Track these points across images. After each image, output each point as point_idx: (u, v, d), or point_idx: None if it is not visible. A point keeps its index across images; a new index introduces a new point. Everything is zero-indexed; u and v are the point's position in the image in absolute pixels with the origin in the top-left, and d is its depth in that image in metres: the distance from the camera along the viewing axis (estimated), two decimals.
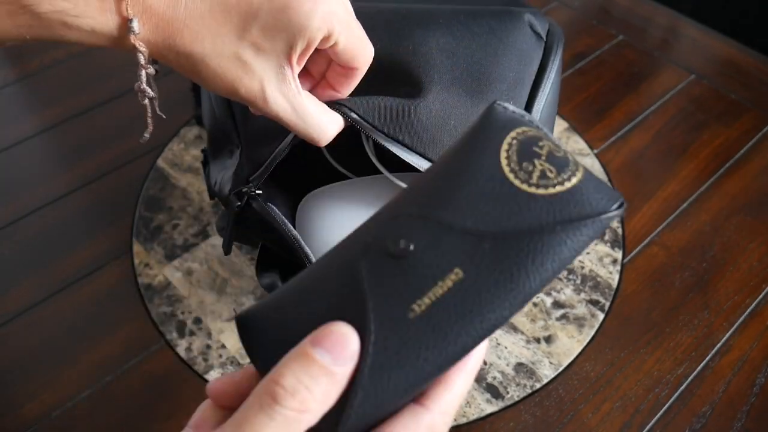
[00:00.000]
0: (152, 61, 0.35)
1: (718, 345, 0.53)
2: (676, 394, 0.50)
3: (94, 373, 0.51)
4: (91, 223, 0.62)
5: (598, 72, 0.75)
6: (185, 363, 0.52)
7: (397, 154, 0.40)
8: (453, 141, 0.41)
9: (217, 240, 0.59)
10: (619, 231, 0.60)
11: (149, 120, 0.37)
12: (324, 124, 0.37)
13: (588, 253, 0.58)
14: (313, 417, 0.23)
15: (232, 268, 0.57)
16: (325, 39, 0.34)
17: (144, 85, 0.35)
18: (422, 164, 0.40)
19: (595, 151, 0.67)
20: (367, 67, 0.38)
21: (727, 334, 0.53)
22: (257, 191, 0.43)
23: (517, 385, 0.50)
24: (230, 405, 0.27)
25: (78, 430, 0.49)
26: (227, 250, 0.48)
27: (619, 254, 0.58)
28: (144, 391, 0.50)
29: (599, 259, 0.58)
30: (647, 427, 0.48)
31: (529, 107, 0.45)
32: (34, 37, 0.32)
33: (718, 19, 0.90)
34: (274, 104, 0.35)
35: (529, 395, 0.50)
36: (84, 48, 0.79)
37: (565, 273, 0.57)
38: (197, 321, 0.54)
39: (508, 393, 0.50)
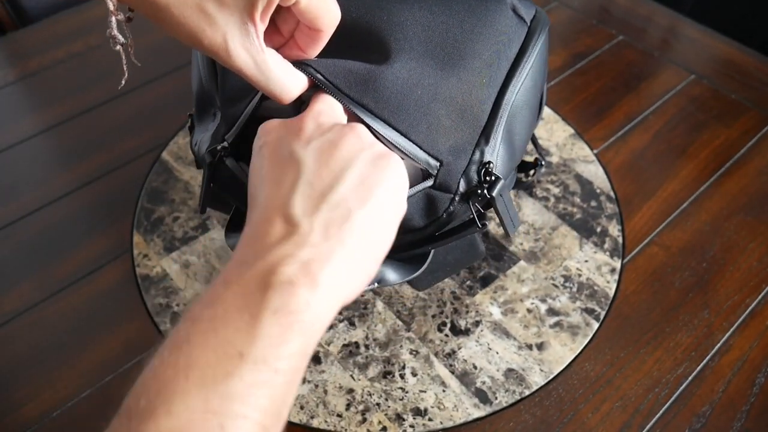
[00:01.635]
0: (128, 9, 0.35)
1: (718, 345, 0.53)
2: (676, 394, 0.50)
3: (94, 373, 0.51)
4: (91, 223, 0.62)
5: (598, 72, 0.75)
6: None
7: (362, 118, 0.40)
8: (418, 110, 0.41)
9: (216, 234, 0.60)
10: (620, 240, 0.59)
11: (124, 67, 0.38)
12: (287, 82, 0.38)
13: (587, 261, 0.58)
14: None
15: None
16: None
17: (115, 31, 0.36)
18: (387, 132, 0.40)
19: (595, 151, 0.67)
20: (332, 30, 0.38)
21: (727, 334, 0.53)
22: (230, 149, 0.44)
23: (506, 391, 0.50)
24: None
25: (78, 430, 0.49)
26: (202, 209, 0.49)
27: (617, 263, 0.58)
28: None
29: (597, 268, 0.57)
30: (647, 427, 0.48)
31: (504, 88, 0.45)
32: None
33: (718, 19, 0.90)
34: (237, 58, 0.36)
35: (518, 402, 0.50)
36: (84, 48, 0.79)
37: (561, 280, 0.57)
38: None
39: (496, 398, 0.50)
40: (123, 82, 0.39)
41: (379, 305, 0.55)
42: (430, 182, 0.42)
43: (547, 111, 0.70)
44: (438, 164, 0.42)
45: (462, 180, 0.43)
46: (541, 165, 0.59)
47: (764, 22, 1.02)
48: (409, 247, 0.46)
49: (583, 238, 0.59)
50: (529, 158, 0.65)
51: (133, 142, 0.69)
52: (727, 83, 0.74)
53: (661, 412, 0.49)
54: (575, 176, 0.64)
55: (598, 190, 0.63)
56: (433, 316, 0.54)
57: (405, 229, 0.44)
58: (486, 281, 0.56)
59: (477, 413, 0.49)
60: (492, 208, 0.43)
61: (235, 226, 0.51)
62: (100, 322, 0.54)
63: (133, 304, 0.55)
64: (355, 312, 0.54)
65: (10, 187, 0.65)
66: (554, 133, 0.68)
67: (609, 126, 0.69)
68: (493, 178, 0.42)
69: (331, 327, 0.54)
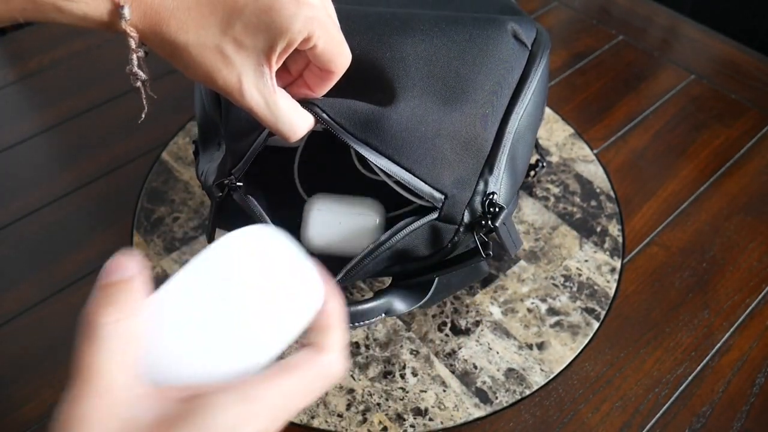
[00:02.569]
0: (142, 44, 0.36)
1: (718, 345, 0.53)
2: (676, 394, 0.50)
3: None
4: (91, 223, 0.62)
5: (598, 72, 0.75)
6: None
7: (366, 157, 0.41)
8: (422, 147, 0.41)
9: (216, 234, 0.60)
10: (620, 239, 0.59)
11: (144, 101, 0.38)
12: (295, 122, 0.38)
13: (587, 261, 0.58)
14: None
15: None
16: (305, 41, 0.35)
17: (135, 68, 0.36)
18: (391, 168, 0.41)
19: (595, 151, 0.67)
20: (343, 71, 0.39)
21: (727, 334, 0.53)
22: (238, 183, 0.45)
23: (507, 390, 0.50)
24: None
25: None
26: (209, 238, 0.49)
27: (618, 263, 0.58)
28: None
29: (597, 267, 0.57)
30: (647, 427, 0.48)
31: (507, 115, 0.45)
32: (27, 19, 0.33)
33: (718, 19, 0.90)
34: (250, 98, 0.36)
35: (518, 401, 0.50)
36: (84, 48, 0.79)
37: (562, 280, 0.57)
38: None
39: (497, 398, 0.50)
40: (143, 116, 0.40)
41: None
42: (435, 215, 0.42)
43: (547, 111, 0.71)
44: (443, 197, 0.42)
45: (466, 211, 0.43)
46: (542, 166, 0.59)
47: (764, 22, 1.02)
48: (414, 274, 0.46)
49: (583, 238, 0.59)
50: (531, 159, 0.66)
51: (133, 142, 0.69)
52: (727, 83, 0.74)
53: (661, 412, 0.49)
54: (575, 176, 0.64)
55: (597, 190, 0.63)
56: (434, 316, 0.54)
57: (410, 257, 0.44)
58: (486, 281, 0.56)
59: (478, 413, 0.49)
60: (494, 233, 0.44)
61: None
62: None
63: None
64: None
65: (11, 187, 0.65)
66: (554, 132, 0.68)
67: (609, 126, 0.69)
68: (497, 209, 0.43)
69: None
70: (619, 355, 0.52)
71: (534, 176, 0.60)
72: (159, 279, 0.56)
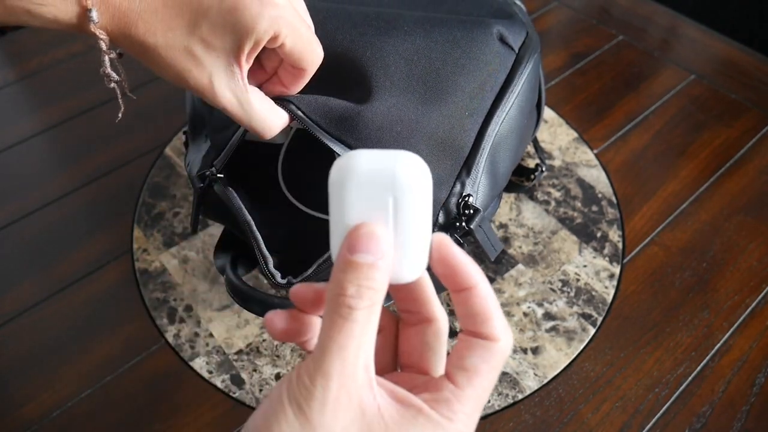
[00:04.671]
0: (114, 45, 0.37)
1: (718, 345, 0.53)
2: (676, 394, 0.50)
3: (94, 373, 0.51)
4: (91, 222, 0.62)
5: (598, 72, 0.75)
6: (179, 356, 0.52)
7: (340, 154, 0.41)
8: (398, 146, 0.41)
9: (215, 230, 0.60)
10: (620, 245, 0.59)
11: (120, 101, 0.39)
12: (268, 119, 0.39)
13: (585, 266, 0.58)
14: (380, 303, 0.26)
15: None
16: (272, 40, 0.35)
17: (108, 70, 0.37)
18: None
19: (595, 151, 0.67)
20: (314, 69, 0.39)
21: (727, 334, 0.53)
22: (219, 174, 0.45)
23: (500, 394, 0.50)
24: (309, 310, 0.29)
25: (78, 430, 0.49)
26: (193, 228, 0.50)
27: (617, 269, 0.57)
28: (144, 391, 0.50)
29: (596, 273, 0.57)
30: (647, 427, 0.48)
31: (488, 118, 0.45)
32: (1, 23, 0.34)
33: (718, 19, 0.90)
34: (222, 98, 0.37)
35: (510, 405, 0.50)
36: (84, 48, 0.79)
37: (559, 284, 0.56)
38: (188, 308, 0.55)
39: (489, 402, 0.50)
40: (120, 115, 0.40)
41: None
42: None
43: (551, 114, 0.70)
44: None
45: (441, 212, 0.43)
46: (542, 171, 0.59)
47: (764, 22, 1.02)
48: None
49: (583, 243, 0.59)
50: (532, 163, 0.65)
51: (133, 142, 0.69)
52: (727, 83, 0.74)
53: (661, 412, 0.49)
54: (577, 180, 0.64)
55: (599, 195, 0.63)
56: None
57: None
58: None
59: None
60: (471, 237, 0.43)
61: (223, 246, 0.52)
62: (100, 322, 0.54)
63: (133, 304, 0.55)
64: None
65: (10, 187, 0.65)
66: (557, 136, 0.68)
67: (609, 126, 0.69)
68: (471, 211, 0.43)
69: None
70: (619, 355, 0.52)
71: (534, 179, 0.59)
72: (158, 272, 0.57)
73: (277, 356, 0.52)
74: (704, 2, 1.03)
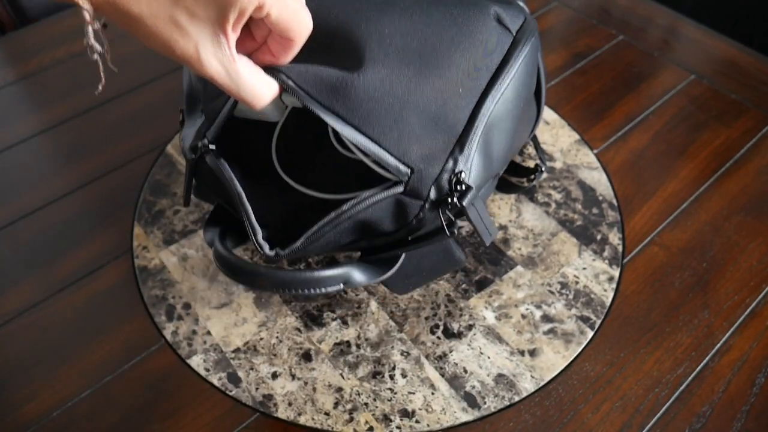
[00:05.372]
0: (98, 17, 0.36)
1: (718, 345, 0.53)
2: (676, 394, 0.50)
3: (94, 373, 0.51)
4: (91, 222, 0.62)
5: (598, 72, 0.75)
6: (177, 354, 0.52)
7: (332, 125, 0.40)
8: (389, 118, 0.41)
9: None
10: (620, 248, 0.59)
11: (102, 74, 0.39)
12: (257, 89, 0.39)
13: (585, 269, 0.58)
14: None
15: None
16: (258, 9, 0.35)
17: (92, 41, 0.36)
18: (357, 137, 0.41)
19: (595, 151, 0.67)
20: (303, 40, 0.39)
21: (727, 334, 0.53)
22: (211, 146, 0.45)
23: (496, 396, 0.50)
24: None
25: (78, 430, 0.49)
26: (185, 202, 0.50)
27: (616, 272, 0.57)
28: (144, 391, 0.50)
29: (595, 276, 0.57)
30: (647, 427, 0.48)
31: (483, 98, 0.44)
32: None
33: (718, 19, 0.90)
34: (209, 67, 0.36)
35: (507, 407, 0.50)
36: (84, 48, 0.79)
37: (558, 287, 0.56)
38: (186, 306, 0.55)
39: (485, 403, 0.50)
40: (100, 87, 0.40)
41: (373, 305, 0.55)
42: (400, 188, 0.42)
43: (552, 116, 0.70)
44: (408, 171, 0.42)
45: (433, 188, 0.43)
46: (541, 171, 0.59)
47: (764, 22, 1.02)
48: (379, 251, 0.46)
49: (583, 246, 0.59)
50: (532, 163, 0.65)
51: (133, 142, 0.69)
52: (727, 83, 0.74)
53: (661, 412, 0.49)
54: (578, 182, 0.64)
55: (600, 197, 0.63)
56: (427, 318, 0.54)
57: (375, 233, 0.44)
58: (482, 285, 0.56)
59: (465, 417, 0.49)
60: (465, 217, 0.43)
61: (213, 221, 0.52)
62: (100, 322, 0.54)
63: (133, 303, 0.55)
64: (348, 311, 0.55)
65: (10, 187, 0.65)
66: (559, 138, 0.68)
67: (609, 126, 0.69)
68: (464, 187, 0.42)
69: (323, 325, 0.54)
70: (619, 355, 0.52)
71: (533, 180, 0.59)
72: (157, 269, 0.57)
73: (274, 355, 0.52)
74: (704, 2, 1.03)
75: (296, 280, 0.42)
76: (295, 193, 0.51)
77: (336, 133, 0.55)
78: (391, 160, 0.41)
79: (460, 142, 0.43)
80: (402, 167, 0.41)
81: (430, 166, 0.42)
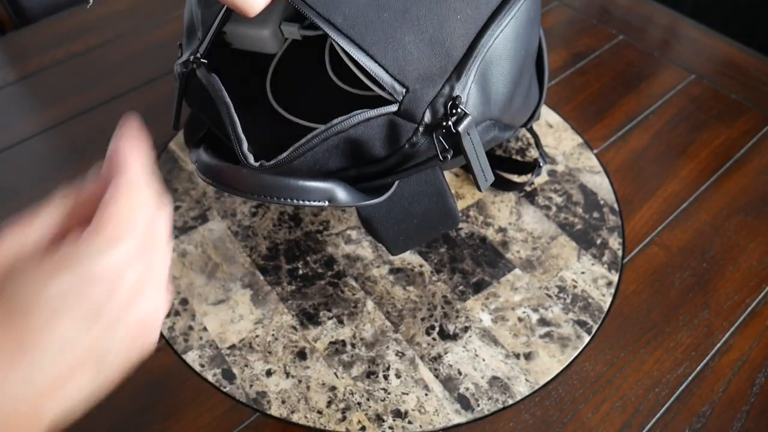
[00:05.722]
0: None
1: (718, 345, 0.53)
2: (676, 394, 0.50)
3: None
4: None
5: (598, 72, 0.75)
6: (173, 349, 0.52)
7: (329, 34, 0.40)
8: (385, 34, 0.40)
9: (214, 225, 0.60)
10: (619, 253, 0.59)
11: None
12: None
13: (583, 273, 0.57)
14: None
15: (225, 254, 0.58)
16: None
17: None
18: (354, 52, 0.40)
19: (595, 151, 0.67)
20: None
21: (727, 334, 0.53)
22: (203, 60, 0.44)
23: (489, 398, 0.50)
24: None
25: (78, 430, 0.49)
26: (174, 124, 0.49)
27: (615, 277, 0.57)
28: (144, 391, 0.50)
29: (593, 280, 0.57)
30: (647, 427, 0.48)
31: (482, 31, 0.44)
32: None
33: (718, 19, 0.90)
34: None
35: (500, 410, 0.49)
36: (84, 48, 0.79)
37: (556, 290, 0.56)
38: (184, 302, 0.55)
39: (478, 406, 0.49)
40: (91, 1, 0.39)
41: (369, 305, 0.55)
42: (394, 108, 0.41)
43: (555, 119, 0.70)
44: (404, 90, 0.41)
45: (428, 110, 0.42)
46: (540, 166, 0.59)
47: (764, 22, 1.02)
48: (370, 178, 0.44)
49: (582, 250, 0.59)
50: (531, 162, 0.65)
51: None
52: (727, 83, 0.74)
53: (661, 412, 0.49)
54: (579, 186, 0.64)
55: (601, 202, 0.62)
56: (423, 319, 0.54)
57: (366, 159, 0.43)
58: (479, 287, 0.56)
59: (458, 419, 0.49)
60: (459, 150, 0.42)
61: (199, 141, 0.50)
62: None
63: None
64: (344, 310, 0.54)
65: (10, 187, 0.65)
66: (562, 141, 0.68)
67: (609, 126, 0.69)
68: (460, 111, 0.41)
69: (319, 324, 0.54)
70: (619, 355, 0.52)
71: (531, 176, 0.59)
72: None
73: (269, 352, 0.52)
74: (704, 2, 1.03)
75: (279, 186, 0.41)
76: (286, 121, 0.50)
77: (333, 63, 0.53)
78: (386, 77, 0.40)
79: (458, 70, 0.42)
80: (397, 86, 0.41)
81: (425, 87, 0.41)
